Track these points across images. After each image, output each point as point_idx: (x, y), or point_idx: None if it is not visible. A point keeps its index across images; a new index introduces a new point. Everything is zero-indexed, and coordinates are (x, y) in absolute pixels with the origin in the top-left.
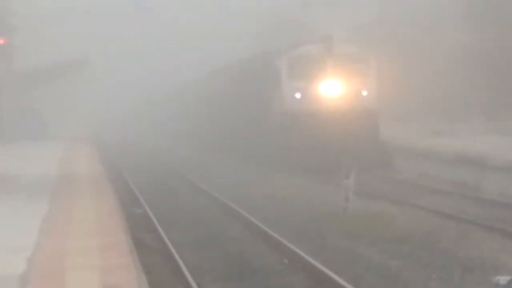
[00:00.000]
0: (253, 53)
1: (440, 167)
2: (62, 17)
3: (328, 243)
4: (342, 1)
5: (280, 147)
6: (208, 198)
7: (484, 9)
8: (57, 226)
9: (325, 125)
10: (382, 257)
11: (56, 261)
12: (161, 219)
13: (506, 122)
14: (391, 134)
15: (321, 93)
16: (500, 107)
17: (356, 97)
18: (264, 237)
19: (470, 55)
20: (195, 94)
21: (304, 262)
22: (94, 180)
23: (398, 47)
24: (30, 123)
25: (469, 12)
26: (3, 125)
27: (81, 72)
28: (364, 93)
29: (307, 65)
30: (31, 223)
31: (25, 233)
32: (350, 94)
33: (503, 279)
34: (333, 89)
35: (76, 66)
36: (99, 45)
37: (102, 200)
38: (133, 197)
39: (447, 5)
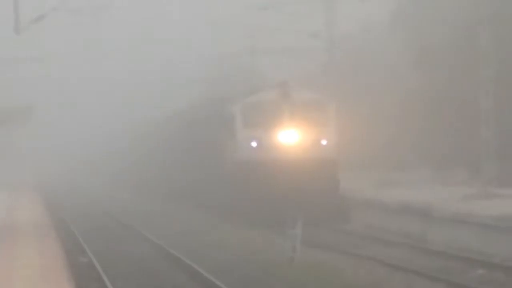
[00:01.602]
0: (207, 99)
1: (387, 217)
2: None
3: None
4: (289, 49)
5: (234, 197)
6: (155, 247)
7: (434, 58)
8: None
9: (282, 176)
10: None
11: None
12: (106, 269)
13: (451, 172)
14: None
15: (278, 142)
16: (447, 157)
17: (314, 146)
18: (210, 287)
19: (418, 104)
20: (146, 141)
21: None
22: (38, 227)
23: (347, 95)
24: None
25: (419, 62)
26: None
27: (26, 120)
28: (324, 142)
29: (263, 112)
30: None
31: None
32: (308, 143)
33: None
34: (291, 137)
35: (21, 114)
36: (45, 91)
37: (46, 248)
38: (78, 246)
39: (399, 53)
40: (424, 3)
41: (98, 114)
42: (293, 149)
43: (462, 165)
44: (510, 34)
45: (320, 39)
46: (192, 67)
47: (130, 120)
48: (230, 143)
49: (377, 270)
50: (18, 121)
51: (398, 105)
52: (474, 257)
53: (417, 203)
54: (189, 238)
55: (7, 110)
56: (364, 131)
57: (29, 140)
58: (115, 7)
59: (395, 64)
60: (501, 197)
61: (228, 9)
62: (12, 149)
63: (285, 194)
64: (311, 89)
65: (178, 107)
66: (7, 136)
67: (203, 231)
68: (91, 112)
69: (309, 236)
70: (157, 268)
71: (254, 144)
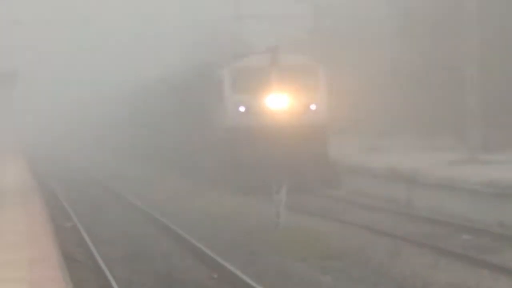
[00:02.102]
0: (194, 64)
1: (373, 183)
2: None
3: (258, 258)
4: (274, 14)
5: (222, 163)
6: (140, 213)
7: (418, 26)
8: None
9: (271, 141)
10: (313, 273)
11: None
12: (91, 234)
13: (437, 138)
14: None
15: (266, 107)
16: (433, 123)
17: (304, 111)
18: (194, 252)
19: (403, 71)
20: (132, 105)
21: (234, 277)
22: (24, 193)
23: (332, 61)
24: None
25: (404, 29)
26: None
27: (10, 86)
28: (313, 106)
29: (252, 77)
30: None
31: None
32: (297, 108)
33: None
34: (280, 102)
35: (4, 79)
36: (31, 56)
37: (32, 213)
38: (63, 211)
39: (383, 21)
40: None
41: (82, 80)
42: (282, 114)
43: (448, 132)
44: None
45: (306, 4)
46: (176, 32)
47: (113, 85)
48: (217, 108)
49: (363, 235)
50: (2, 87)
51: (383, 72)
52: (459, 222)
53: (403, 169)
54: (174, 204)
55: None
56: (349, 98)
57: (14, 107)
58: None
59: (380, 31)
60: (487, 163)
61: None
62: None
63: (273, 160)
64: (300, 54)
65: (162, 71)
66: None
67: (189, 197)
68: (75, 78)
69: (295, 201)
70: (142, 233)
71: (242, 109)
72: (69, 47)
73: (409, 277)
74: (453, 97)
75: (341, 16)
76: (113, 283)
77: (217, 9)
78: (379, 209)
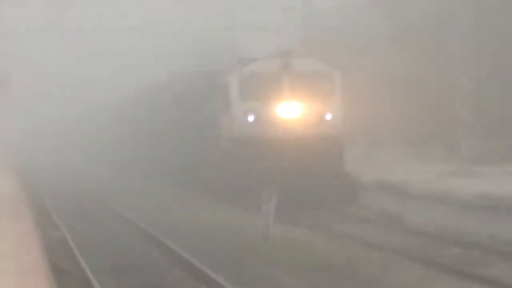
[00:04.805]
0: (197, 70)
1: (364, 195)
2: None
3: (247, 271)
4: (265, 24)
5: (228, 176)
6: (129, 224)
7: (410, 36)
8: None
9: (282, 153)
10: (303, 285)
11: None
12: (79, 244)
13: (429, 150)
14: None
15: (277, 116)
16: (424, 135)
17: (318, 121)
18: (184, 263)
19: (395, 83)
20: (127, 114)
21: None
22: (12, 202)
23: None
24: None
25: (397, 38)
26: None
27: (4, 92)
28: (328, 116)
29: (262, 83)
30: None
31: None
32: (311, 118)
33: None
34: (292, 111)
35: None
36: (23, 63)
37: (20, 222)
38: (50, 220)
39: (375, 32)
40: None
41: (74, 88)
42: (295, 124)
43: (439, 143)
44: (488, 10)
45: (296, 15)
46: (167, 42)
47: (107, 95)
48: (224, 117)
49: (353, 247)
50: None
51: (374, 83)
52: (450, 235)
53: (394, 181)
54: (166, 216)
55: None
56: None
57: (4, 115)
58: None
59: (371, 42)
60: (478, 175)
61: None
62: None
63: (284, 174)
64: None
65: (161, 79)
66: None
67: (186, 209)
68: (67, 86)
69: (285, 213)
70: (132, 245)
71: (251, 118)
72: (64, 55)
73: None
74: (445, 108)
75: (333, 26)
76: None
77: (208, 20)
78: (369, 221)
